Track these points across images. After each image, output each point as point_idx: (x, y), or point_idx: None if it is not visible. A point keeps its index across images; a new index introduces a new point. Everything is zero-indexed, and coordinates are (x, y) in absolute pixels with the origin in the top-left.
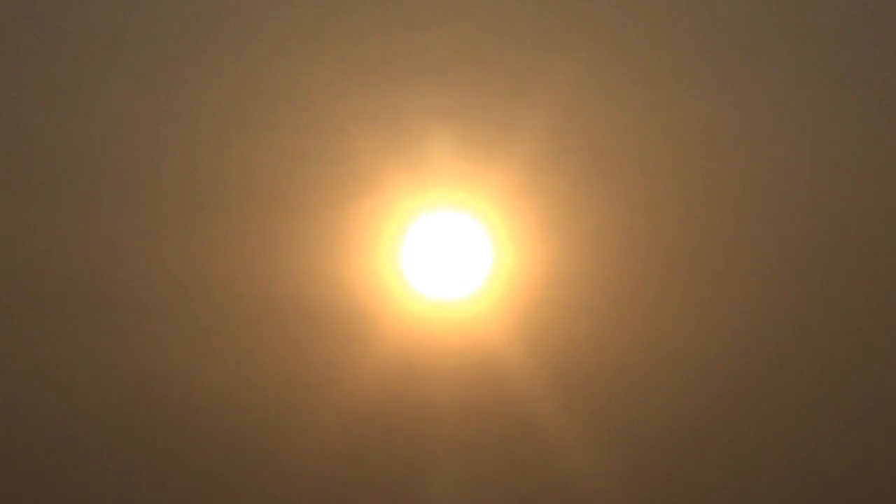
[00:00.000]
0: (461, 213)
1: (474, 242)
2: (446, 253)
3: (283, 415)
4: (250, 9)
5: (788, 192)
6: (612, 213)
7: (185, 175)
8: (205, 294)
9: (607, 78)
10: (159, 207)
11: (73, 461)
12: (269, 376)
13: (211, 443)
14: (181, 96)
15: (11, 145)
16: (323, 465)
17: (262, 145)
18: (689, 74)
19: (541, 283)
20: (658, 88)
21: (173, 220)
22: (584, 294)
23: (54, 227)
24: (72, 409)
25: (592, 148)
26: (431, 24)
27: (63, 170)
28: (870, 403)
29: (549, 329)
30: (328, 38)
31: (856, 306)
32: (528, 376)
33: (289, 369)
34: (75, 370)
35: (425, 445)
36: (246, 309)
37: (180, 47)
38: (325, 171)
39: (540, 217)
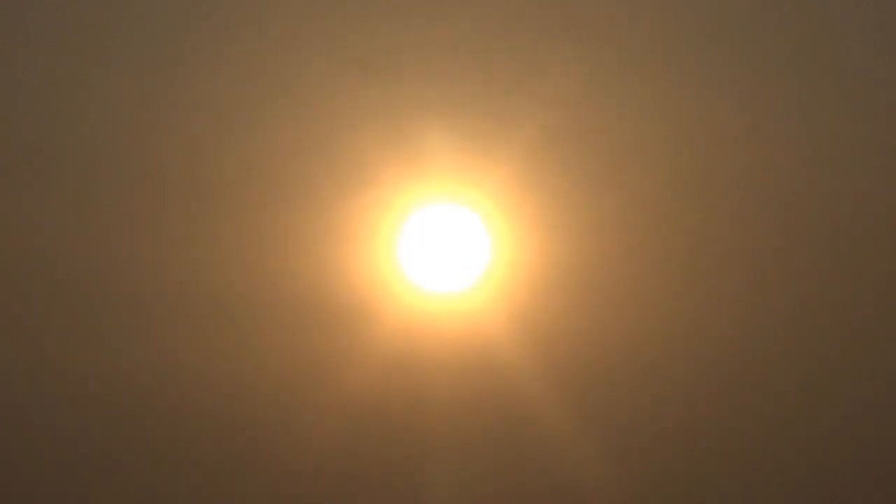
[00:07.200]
0: (459, 206)
1: (472, 235)
2: (444, 246)
3: (280, 407)
4: (247, 2)
5: (787, 184)
6: (611, 206)
7: (180, 169)
8: (201, 288)
9: (606, 72)
10: (154, 201)
11: (73, 459)
12: (267, 369)
13: (208, 435)
14: (177, 90)
15: (9, 141)
16: (321, 457)
17: (258, 139)
18: (687, 68)
19: (538, 276)
20: (657, 82)
21: (169, 214)
22: (581, 287)
23: (50, 223)
24: (73, 406)
25: (590, 141)
26: (429, 17)
27: (59, 165)
28: (871, 391)
29: (546, 322)
30: (325, 31)
31: (856, 297)
32: (525, 369)
33: (286, 362)
34: (74, 367)
35: (423, 438)
36: (243, 303)
37: (177, 41)
38: (323, 165)
39: (538, 210)
